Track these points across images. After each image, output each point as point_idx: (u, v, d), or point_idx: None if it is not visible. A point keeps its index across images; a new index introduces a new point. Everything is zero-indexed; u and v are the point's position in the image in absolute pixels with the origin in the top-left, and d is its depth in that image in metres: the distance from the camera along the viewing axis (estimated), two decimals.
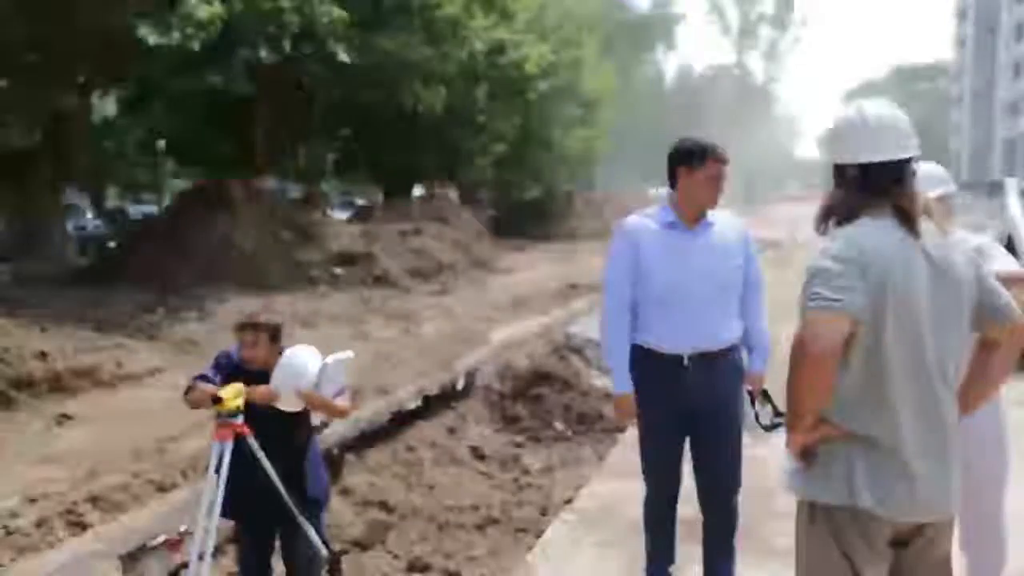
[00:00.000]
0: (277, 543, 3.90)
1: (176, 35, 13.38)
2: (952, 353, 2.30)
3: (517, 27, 26.70)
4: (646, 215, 3.76)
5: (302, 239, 16.98)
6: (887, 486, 2.23)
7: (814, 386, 2.20)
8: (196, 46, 13.69)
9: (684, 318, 3.60)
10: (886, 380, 2.23)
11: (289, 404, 3.61)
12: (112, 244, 22.47)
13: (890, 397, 2.24)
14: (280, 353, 3.67)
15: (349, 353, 3.82)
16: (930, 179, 3.53)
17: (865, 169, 2.33)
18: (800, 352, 2.17)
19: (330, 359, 3.65)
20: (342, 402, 3.74)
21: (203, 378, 3.64)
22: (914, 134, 2.38)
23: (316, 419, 3.94)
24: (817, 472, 2.33)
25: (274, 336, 3.72)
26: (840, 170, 2.38)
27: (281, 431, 3.66)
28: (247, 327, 3.69)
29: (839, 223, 2.35)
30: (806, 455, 2.35)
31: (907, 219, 2.27)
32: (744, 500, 3.83)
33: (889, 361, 2.23)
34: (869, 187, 2.32)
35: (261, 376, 3.60)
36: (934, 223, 2.33)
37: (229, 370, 3.66)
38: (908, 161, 2.34)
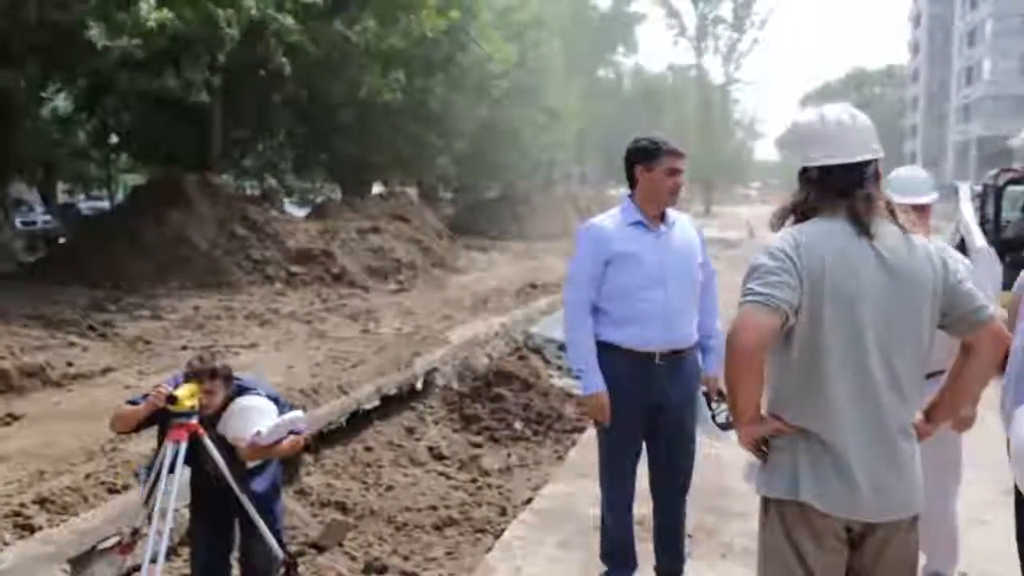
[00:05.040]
0: (233, 544, 3.86)
1: (125, 39, 13.14)
2: (904, 357, 2.30)
3: (481, 22, 26.66)
4: (609, 215, 3.78)
5: (258, 236, 16.77)
6: (827, 482, 2.26)
7: (744, 379, 2.25)
8: (140, 53, 13.43)
9: (657, 316, 3.62)
10: (824, 377, 2.26)
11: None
12: (62, 240, 22.05)
13: (828, 395, 2.27)
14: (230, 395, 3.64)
15: (299, 413, 3.77)
16: (910, 184, 3.61)
17: (825, 171, 2.35)
18: (729, 346, 2.23)
19: (279, 421, 3.57)
20: (287, 444, 3.65)
21: (132, 404, 3.62)
22: (875, 137, 2.41)
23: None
24: (770, 466, 2.37)
25: (227, 379, 3.65)
26: (803, 172, 2.41)
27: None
28: (204, 374, 3.55)
29: (796, 222, 2.38)
30: (760, 450, 2.38)
31: (858, 220, 2.30)
32: (701, 500, 3.86)
33: (827, 359, 2.26)
34: (828, 188, 2.35)
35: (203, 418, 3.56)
36: (898, 226, 2.34)
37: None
38: (868, 164, 2.37)
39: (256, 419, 3.56)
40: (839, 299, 2.24)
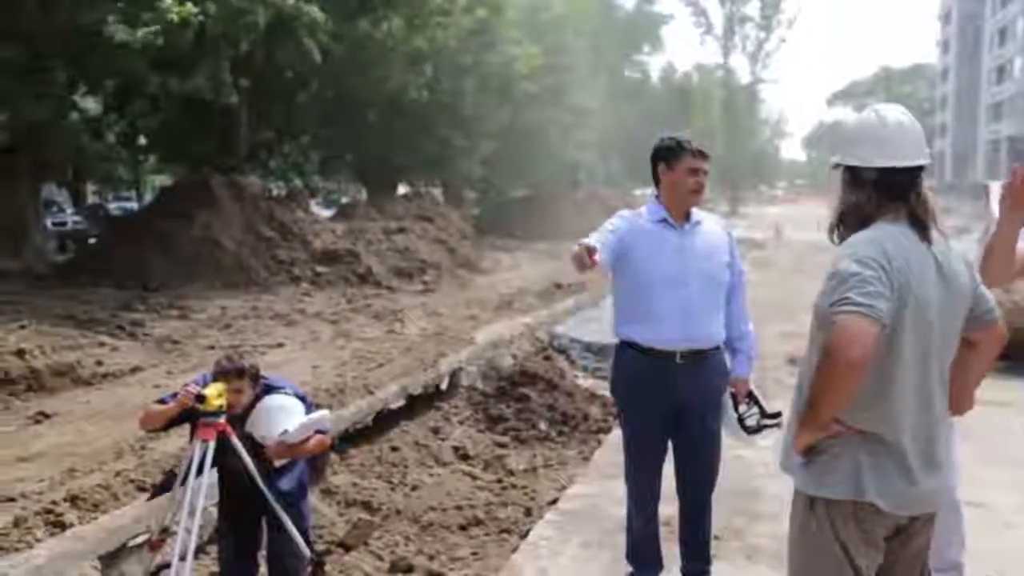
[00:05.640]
0: (261, 542, 3.89)
1: (145, 31, 13.25)
2: (949, 357, 2.36)
3: (507, 21, 26.70)
4: (637, 213, 3.77)
5: (285, 236, 16.90)
6: (891, 482, 2.28)
7: (843, 391, 2.20)
8: (160, 41, 13.54)
9: (678, 315, 3.60)
10: (895, 380, 2.27)
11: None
12: (92, 240, 22.31)
13: (896, 397, 2.28)
14: (258, 393, 3.66)
15: (325, 412, 3.79)
16: None
17: (883, 174, 2.33)
18: (833, 358, 2.16)
19: (305, 420, 3.60)
20: (313, 443, 3.67)
21: (162, 403, 3.64)
22: (925, 140, 2.40)
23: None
24: (822, 466, 2.35)
25: (254, 378, 3.68)
26: (852, 173, 2.38)
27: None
28: (232, 373, 3.58)
29: (854, 227, 2.36)
30: (809, 449, 2.37)
31: (921, 225, 2.30)
32: (728, 501, 3.84)
33: (900, 362, 2.26)
34: (886, 192, 2.33)
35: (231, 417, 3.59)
36: (939, 231, 2.35)
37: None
38: (921, 167, 2.36)
39: (283, 418, 3.59)
40: (918, 304, 2.25)
